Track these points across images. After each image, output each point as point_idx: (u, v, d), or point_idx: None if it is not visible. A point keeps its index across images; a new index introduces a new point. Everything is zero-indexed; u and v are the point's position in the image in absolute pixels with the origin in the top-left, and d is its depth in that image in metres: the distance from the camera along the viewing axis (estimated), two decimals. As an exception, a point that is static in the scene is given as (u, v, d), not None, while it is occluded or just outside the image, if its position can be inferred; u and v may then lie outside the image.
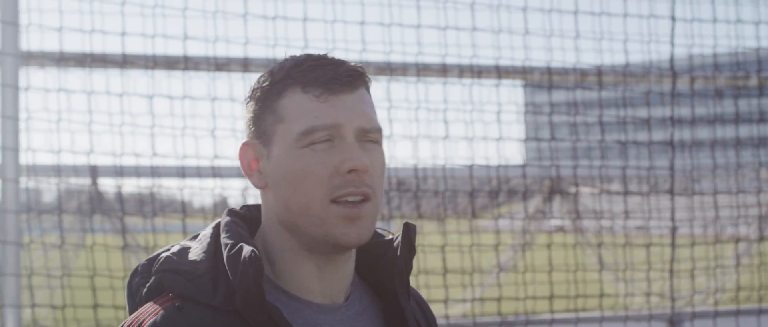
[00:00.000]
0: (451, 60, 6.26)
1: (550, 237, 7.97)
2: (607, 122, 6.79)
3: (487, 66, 6.38)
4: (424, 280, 6.62)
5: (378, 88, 6.37)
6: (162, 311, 1.66)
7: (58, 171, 5.52)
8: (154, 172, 5.75)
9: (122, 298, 3.56)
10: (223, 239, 1.71)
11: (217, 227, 1.78)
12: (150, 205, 6.96)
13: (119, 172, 5.72)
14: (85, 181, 5.93)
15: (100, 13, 5.56)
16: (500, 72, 6.34)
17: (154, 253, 1.78)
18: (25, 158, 5.16)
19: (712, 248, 6.83)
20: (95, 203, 6.22)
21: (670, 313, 5.79)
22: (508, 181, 7.62)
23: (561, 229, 7.39)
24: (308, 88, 1.70)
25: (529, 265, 7.91)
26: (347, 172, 1.68)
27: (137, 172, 5.80)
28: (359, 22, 5.99)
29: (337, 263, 1.75)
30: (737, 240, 7.52)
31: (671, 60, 5.84)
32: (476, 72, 6.32)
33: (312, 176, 1.68)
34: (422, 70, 6.26)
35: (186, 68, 5.84)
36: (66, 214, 6.61)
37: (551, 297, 6.54)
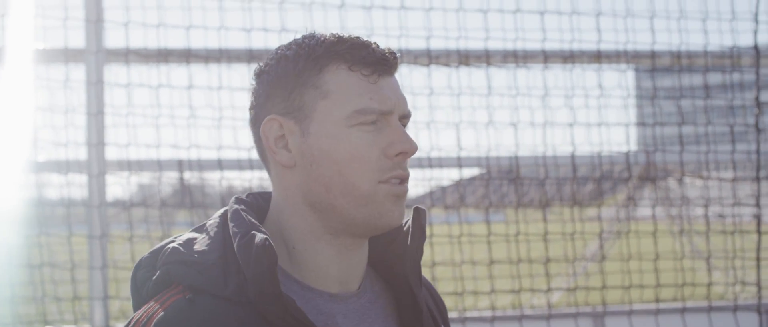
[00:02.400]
0: (550, 45, 6.16)
1: (636, 225, 7.74)
2: (713, 107, 6.57)
3: (589, 51, 6.25)
4: (528, 269, 6.52)
5: (478, 75, 6.33)
6: (172, 304, 1.61)
7: (142, 166, 5.59)
8: (241, 164, 5.74)
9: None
10: (232, 228, 1.68)
11: (224, 216, 1.74)
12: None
13: (216, 165, 5.75)
14: (171, 175, 5.99)
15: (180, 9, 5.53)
16: (600, 56, 6.19)
17: (158, 245, 1.75)
18: (110, 154, 5.26)
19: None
20: (180, 197, 6.27)
21: (758, 302, 5.57)
22: (611, 169, 7.45)
23: (652, 218, 7.19)
24: (356, 67, 1.70)
25: (610, 255, 7.70)
26: (396, 154, 1.70)
27: (239, 164, 5.80)
28: (456, 9, 5.94)
29: (357, 248, 1.75)
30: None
31: (755, 39, 5.60)
32: (577, 57, 6.19)
33: (361, 157, 1.68)
34: (521, 57, 6.18)
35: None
36: (152, 209, 6.73)
37: (629, 286, 6.38)
